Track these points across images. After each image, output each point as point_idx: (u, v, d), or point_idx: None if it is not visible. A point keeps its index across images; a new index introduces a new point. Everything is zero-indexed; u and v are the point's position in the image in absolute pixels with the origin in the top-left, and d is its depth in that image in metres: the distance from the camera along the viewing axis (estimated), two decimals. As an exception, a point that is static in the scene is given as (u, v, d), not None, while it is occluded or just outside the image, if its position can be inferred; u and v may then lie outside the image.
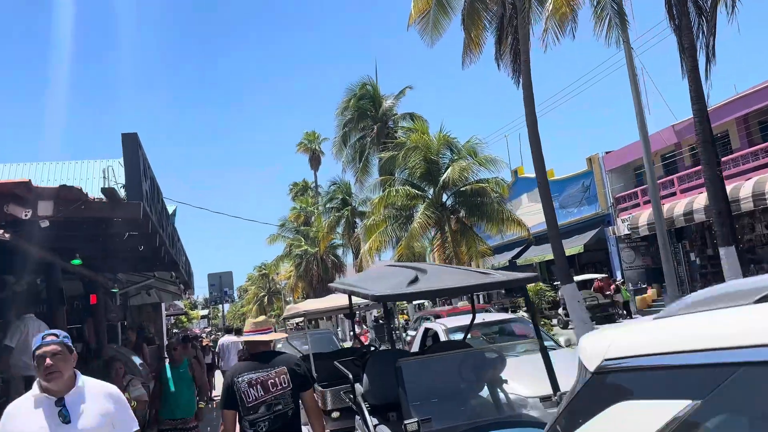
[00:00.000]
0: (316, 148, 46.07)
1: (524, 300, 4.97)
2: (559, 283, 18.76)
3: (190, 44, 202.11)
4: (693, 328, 1.40)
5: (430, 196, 20.80)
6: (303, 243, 39.06)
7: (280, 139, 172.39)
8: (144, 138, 5.83)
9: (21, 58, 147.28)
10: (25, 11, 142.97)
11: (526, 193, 29.95)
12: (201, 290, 48.39)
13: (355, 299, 6.72)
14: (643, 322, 1.75)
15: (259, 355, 4.02)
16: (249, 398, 3.78)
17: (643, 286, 25.40)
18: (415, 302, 25.92)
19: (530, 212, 26.20)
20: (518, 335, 9.18)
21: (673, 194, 22.60)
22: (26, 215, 4.45)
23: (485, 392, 4.70)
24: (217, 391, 10.34)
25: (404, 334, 17.62)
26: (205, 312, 58.45)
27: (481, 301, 25.75)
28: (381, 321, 29.26)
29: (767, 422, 1.19)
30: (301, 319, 14.09)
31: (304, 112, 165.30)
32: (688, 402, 1.29)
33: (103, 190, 4.67)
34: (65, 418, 2.74)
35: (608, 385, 1.64)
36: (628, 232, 24.59)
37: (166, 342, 14.89)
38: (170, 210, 13.80)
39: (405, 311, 25.84)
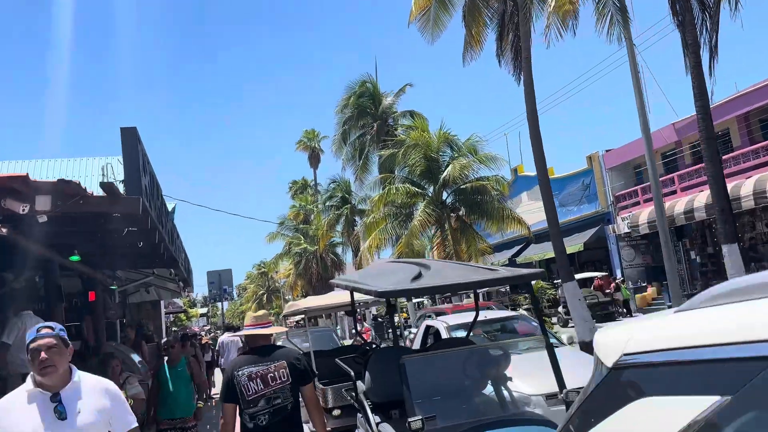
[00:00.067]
0: (316, 146, 46.04)
1: (529, 296, 4.91)
2: (559, 281, 18.74)
3: (190, 42, 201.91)
4: (722, 321, 1.33)
5: (430, 194, 20.74)
6: (302, 241, 39.03)
7: (279, 137, 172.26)
8: (143, 136, 5.76)
9: (20, 57, 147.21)
10: (25, 10, 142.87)
11: (525, 192, 29.93)
12: (200, 288, 48.42)
13: (356, 296, 6.66)
14: (664, 316, 1.68)
15: (259, 348, 4.04)
16: (249, 391, 3.81)
17: (643, 284, 25.42)
18: (414, 300, 25.86)
19: (530, 211, 26.18)
20: (520, 333, 9.14)
21: (674, 192, 22.58)
22: (23, 210, 4.38)
23: (489, 390, 4.64)
24: (217, 389, 10.28)
25: (407, 332, 17.55)
26: (204, 310, 58.45)
27: (481, 299, 25.69)
28: (380, 319, 29.24)
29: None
30: (300, 317, 14.02)
31: (303, 110, 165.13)
32: (716, 398, 1.23)
33: (102, 185, 4.60)
34: (61, 414, 2.63)
35: (627, 381, 1.57)
36: (628, 231, 24.56)
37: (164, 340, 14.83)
38: (169, 207, 13.75)
39: (404, 309, 25.78)
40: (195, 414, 6.47)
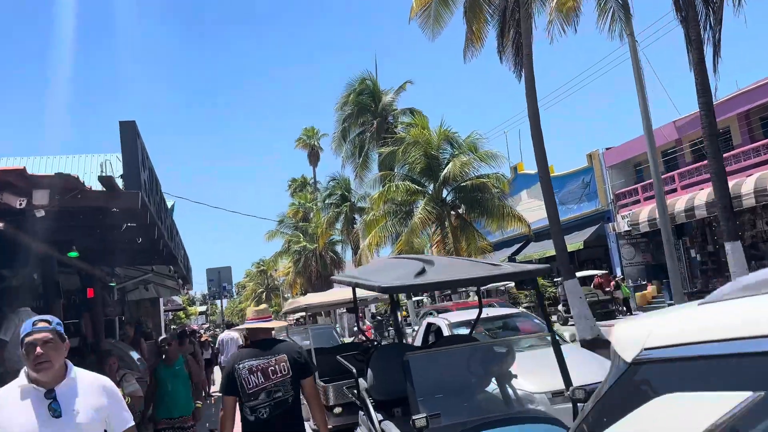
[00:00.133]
0: (315, 143, 45.94)
1: (534, 292, 4.85)
2: (559, 279, 18.69)
3: (189, 39, 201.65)
4: (755, 311, 1.27)
5: (430, 192, 20.68)
6: (302, 239, 38.99)
7: (278, 134, 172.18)
8: (142, 132, 5.68)
9: (20, 56, 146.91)
10: (24, 9, 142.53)
11: (525, 190, 29.89)
12: (199, 286, 48.27)
13: (356, 293, 6.59)
14: (687, 308, 1.62)
15: (260, 342, 4.05)
16: (249, 385, 3.82)
17: (643, 282, 25.39)
18: (414, 298, 25.81)
19: (529, 209, 26.12)
20: (521, 330, 9.08)
21: (674, 190, 22.53)
22: (21, 204, 4.30)
23: (493, 387, 4.58)
24: (216, 387, 10.22)
25: (409, 330, 17.49)
26: (203, 308, 58.42)
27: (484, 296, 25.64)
28: (380, 317, 29.18)
29: None
30: (299, 314, 13.95)
31: (303, 108, 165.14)
32: (748, 394, 1.17)
33: (101, 179, 4.52)
34: (55, 412, 2.52)
35: (648, 377, 1.51)
36: (628, 229, 24.51)
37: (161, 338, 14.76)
38: (168, 205, 13.67)
39: (404, 308, 25.73)
40: (194, 414, 6.39)
